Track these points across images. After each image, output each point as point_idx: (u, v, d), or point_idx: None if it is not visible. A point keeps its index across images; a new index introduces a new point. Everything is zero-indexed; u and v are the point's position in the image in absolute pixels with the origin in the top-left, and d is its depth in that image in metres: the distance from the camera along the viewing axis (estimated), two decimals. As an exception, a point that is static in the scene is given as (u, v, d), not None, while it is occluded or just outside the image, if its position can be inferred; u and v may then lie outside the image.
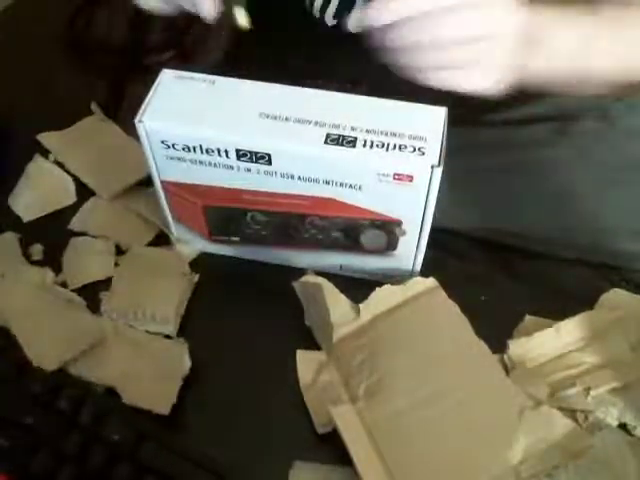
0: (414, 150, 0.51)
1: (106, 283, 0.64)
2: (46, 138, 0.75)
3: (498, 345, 0.59)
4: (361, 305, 0.59)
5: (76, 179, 0.72)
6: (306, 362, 0.59)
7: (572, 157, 0.69)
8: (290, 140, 0.53)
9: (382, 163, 0.52)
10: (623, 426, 0.55)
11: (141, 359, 0.59)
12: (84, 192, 0.71)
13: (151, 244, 0.67)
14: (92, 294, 0.63)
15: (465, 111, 0.60)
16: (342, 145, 0.52)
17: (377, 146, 0.51)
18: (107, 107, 0.77)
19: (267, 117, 0.53)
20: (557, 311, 0.61)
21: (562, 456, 0.52)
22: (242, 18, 0.53)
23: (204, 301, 0.64)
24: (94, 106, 0.76)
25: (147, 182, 0.71)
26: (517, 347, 0.58)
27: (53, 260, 0.66)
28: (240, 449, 0.55)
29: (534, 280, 0.66)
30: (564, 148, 0.69)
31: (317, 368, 0.58)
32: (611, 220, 0.69)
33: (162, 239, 0.67)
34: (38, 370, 0.56)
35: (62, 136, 0.75)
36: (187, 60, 0.88)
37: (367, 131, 0.52)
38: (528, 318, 0.61)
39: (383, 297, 0.59)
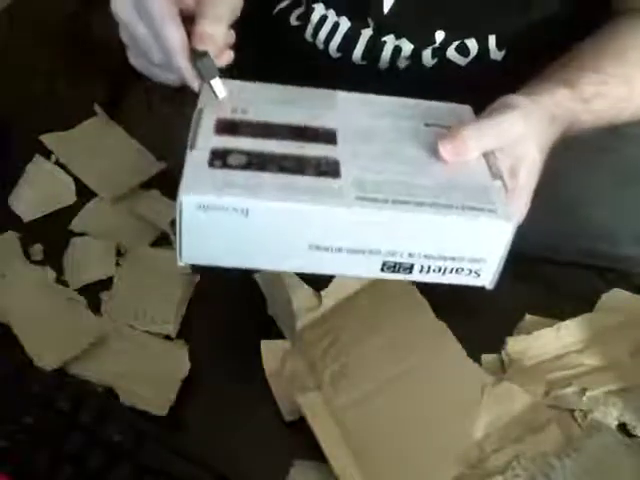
0: (470, 273, 0.50)
1: (107, 283, 0.64)
2: (48, 139, 0.74)
3: (499, 345, 0.59)
4: (322, 292, 0.60)
5: (77, 180, 0.72)
6: (272, 352, 0.59)
7: (572, 162, 0.69)
8: (344, 272, 0.50)
9: (436, 282, 0.50)
10: (623, 426, 0.55)
11: (141, 359, 0.59)
12: (85, 193, 0.71)
13: (152, 245, 0.67)
14: (93, 294, 0.63)
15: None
16: (398, 272, 0.49)
17: (434, 271, 0.49)
18: (107, 107, 0.77)
19: (317, 249, 0.48)
20: (557, 311, 0.61)
21: (523, 430, 0.53)
22: (219, 88, 0.52)
23: (204, 302, 0.64)
24: (97, 108, 0.76)
25: (148, 184, 0.71)
26: (515, 344, 0.59)
27: (53, 260, 0.66)
28: (240, 449, 0.55)
29: (534, 280, 0.66)
30: (565, 153, 0.69)
31: (282, 357, 0.58)
32: (611, 225, 0.69)
33: (163, 240, 0.67)
34: (38, 370, 0.56)
35: (65, 137, 0.75)
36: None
37: (425, 256, 0.49)
38: (528, 318, 0.61)
39: (344, 283, 0.60)
